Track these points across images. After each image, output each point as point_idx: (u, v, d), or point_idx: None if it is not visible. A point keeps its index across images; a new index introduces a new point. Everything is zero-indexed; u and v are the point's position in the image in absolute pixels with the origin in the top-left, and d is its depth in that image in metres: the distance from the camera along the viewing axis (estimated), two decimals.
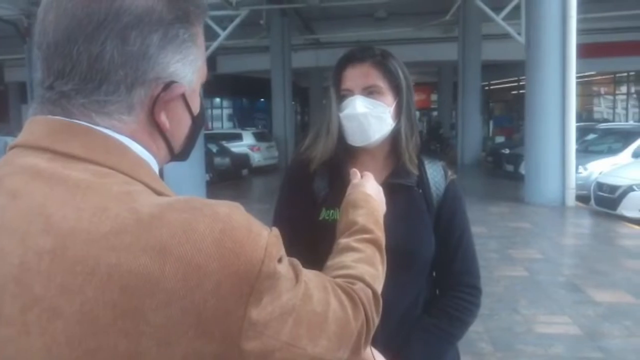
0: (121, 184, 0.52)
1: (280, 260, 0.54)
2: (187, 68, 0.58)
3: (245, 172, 14.04)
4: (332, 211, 1.15)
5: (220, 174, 12.53)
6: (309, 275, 0.59)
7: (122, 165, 0.54)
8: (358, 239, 0.79)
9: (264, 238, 0.52)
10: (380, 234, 0.83)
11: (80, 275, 0.46)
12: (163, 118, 0.57)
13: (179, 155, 0.64)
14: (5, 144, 7.67)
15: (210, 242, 0.48)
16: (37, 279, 0.47)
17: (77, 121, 0.54)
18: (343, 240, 0.80)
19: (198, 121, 0.63)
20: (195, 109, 0.62)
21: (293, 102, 19.62)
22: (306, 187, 1.20)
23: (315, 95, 24.02)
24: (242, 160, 14.07)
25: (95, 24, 0.52)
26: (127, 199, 0.50)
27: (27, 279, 0.47)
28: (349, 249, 0.77)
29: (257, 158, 15.25)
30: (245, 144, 15.36)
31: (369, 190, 0.91)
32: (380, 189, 0.96)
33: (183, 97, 0.59)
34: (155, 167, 0.59)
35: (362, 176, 0.97)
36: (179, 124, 0.60)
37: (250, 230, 0.51)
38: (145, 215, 0.48)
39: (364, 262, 0.74)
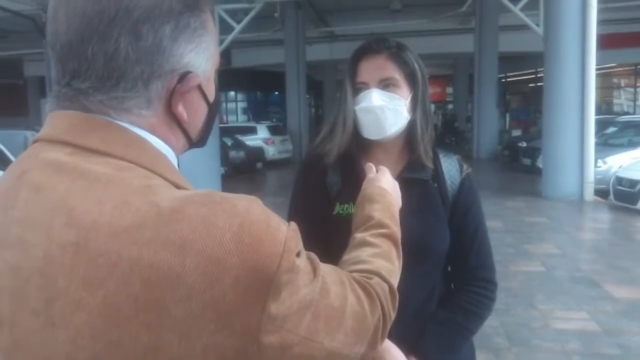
0: (141, 178, 0.52)
1: (298, 255, 0.54)
2: (200, 56, 0.58)
3: (259, 165, 14.10)
4: (346, 205, 1.14)
5: (235, 167, 12.60)
6: (326, 269, 0.59)
7: (141, 159, 0.54)
8: (374, 233, 0.79)
9: (282, 232, 0.52)
10: (396, 229, 0.83)
11: (102, 268, 0.47)
12: (180, 109, 0.58)
13: (197, 143, 0.64)
14: (25, 138, 7.80)
15: (230, 236, 0.48)
16: (61, 272, 0.48)
17: (96, 116, 0.54)
18: (359, 235, 0.80)
19: (214, 108, 0.64)
20: (211, 96, 0.62)
21: (307, 96, 19.59)
22: (320, 181, 1.19)
23: (330, 88, 23.94)
24: (256, 154, 14.13)
25: (106, 22, 0.52)
26: (147, 193, 0.50)
27: (51, 271, 0.48)
28: (365, 243, 0.77)
29: (271, 151, 15.29)
30: (259, 137, 15.41)
31: (384, 185, 0.91)
32: (396, 183, 0.95)
33: (199, 86, 0.59)
34: (174, 159, 0.60)
35: (377, 170, 0.96)
36: (196, 113, 0.61)
37: (268, 225, 0.51)
38: (165, 209, 0.49)
39: (380, 257, 0.74)
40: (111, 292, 0.47)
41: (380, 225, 0.81)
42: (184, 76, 0.56)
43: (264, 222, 0.51)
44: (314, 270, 0.56)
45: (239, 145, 13.63)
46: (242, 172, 12.76)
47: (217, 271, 0.47)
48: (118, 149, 0.53)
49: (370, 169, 0.97)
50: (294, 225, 0.56)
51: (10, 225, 0.52)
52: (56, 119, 0.56)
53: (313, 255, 0.59)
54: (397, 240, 0.81)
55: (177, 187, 0.54)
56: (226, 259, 0.48)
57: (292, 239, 0.53)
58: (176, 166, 0.59)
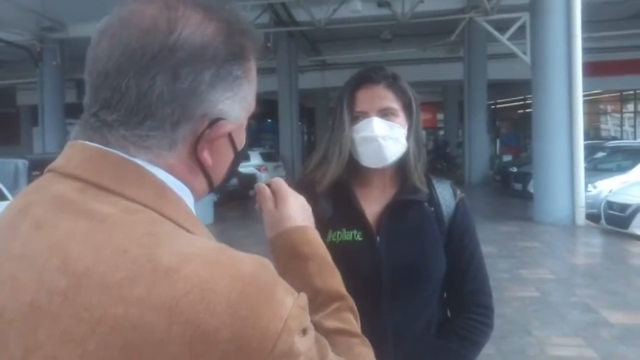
0: (148, 224, 0.49)
1: (304, 333, 0.48)
2: (236, 105, 0.55)
3: (252, 192, 14.04)
4: (338, 232, 1.14)
5: (228, 195, 12.56)
6: None
7: (154, 201, 0.51)
8: (330, 314, 0.63)
9: (286, 308, 0.46)
10: (343, 289, 0.66)
11: (85, 324, 0.44)
12: (206, 155, 0.55)
13: (217, 188, 0.60)
14: (16, 167, 7.73)
15: (226, 306, 0.44)
16: (43, 321, 0.45)
17: (113, 151, 0.52)
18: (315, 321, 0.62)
19: (240, 155, 0.60)
20: (240, 144, 0.59)
21: (300, 123, 19.73)
22: (312, 209, 1.17)
23: (322, 115, 24.15)
24: (249, 181, 14.11)
25: (148, 58, 0.50)
26: (149, 243, 0.47)
27: (34, 319, 0.45)
28: (331, 334, 0.60)
29: (264, 178, 15.29)
30: (252, 164, 15.42)
31: (295, 215, 0.70)
32: (303, 199, 0.74)
33: (229, 133, 0.56)
34: (191, 201, 0.56)
35: (272, 190, 0.72)
36: (221, 160, 0.57)
37: (272, 297, 0.46)
38: (162, 266, 0.45)
39: (358, 345, 0.62)
40: (89, 352, 0.43)
41: (330, 296, 0.64)
42: (214, 122, 0.53)
43: (268, 293, 0.46)
44: (322, 358, 0.49)
45: None
46: (234, 198, 12.72)
47: (203, 344, 0.43)
48: (130, 189, 0.50)
49: (262, 191, 0.72)
50: (302, 299, 0.49)
51: (5, 260, 0.49)
52: (73, 150, 0.53)
53: (324, 342, 0.52)
54: (350, 302, 0.66)
55: (189, 233, 0.50)
56: (216, 332, 0.43)
57: (296, 317, 0.47)
58: (192, 209, 0.55)
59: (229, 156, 0.58)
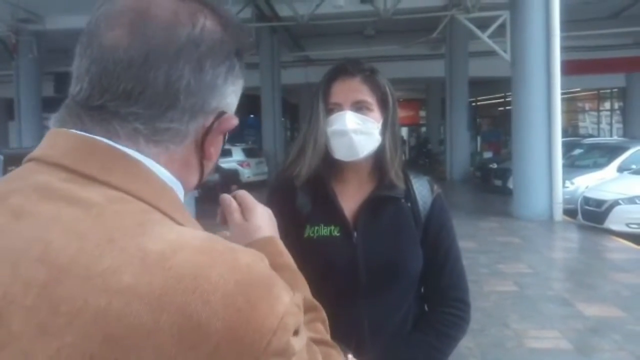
0: (136, 213, 0.47)
1: (296, 333, 0.46)
2: (235, 99, 0.58)
3: (234, 188, 13.98)
4: (316, 227, 1.14)
5: (210, 190, 12.48)
6: None
7: (142, 190, 0.49)
8: (306, 327, 0.61)
9: (283, 304, 0.44)
10: (314, 300, 0.67)
11: (63, 317, 0.41)
12: (212, 149, 0.56)
13: (203, 182, 0.60)
14: None
15: (221, 296, 0.42)
16: (17, 314, 0.42)
17: (102, 139, 0.50)
18: None
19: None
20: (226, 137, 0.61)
21: (283, 119, 19.68)
22: (290, 204, 1.17)
23: (305, 111, 24.04)
24: (231, 176, 14.03)
25: (175, 49, 0.50)
26: (138, 232, 0.45)
27: (8, 312, 0.42)
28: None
29: (247, 174, 15.22)
30: (234, 159, 15.33)
31: (266, 227, 0.70)
32: (269, 211, 0.73)
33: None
34: (181, 194, 0.55)
35: (238, 202, 0.72)
36: (216, 154, 0.58)
37: (270, 291, 0.44)
38: (153, 254, 0.43)
39: (336, 358, 0.61)
40: (66, 345, 0.40)
41: (305, 307, 0.62)
42: (220, 115, 0.55)
43: (266, 287, 0.44)
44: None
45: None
46: (216, 194, 12.65)
47: (194, 336, 0.40)
48: (117, 178, 0.48)
49: (230, 202, 0.71)
50: (299, 297, 0.48)
51: None
52: (56, 138, 0.50)
53: (315, 347, 0.51)
54: (322, 314, 0.66)
55: (179, 224, 0.49)
56: (209, 323, 0.41)
57: (292, 315, 0.45)
58: (182, 202, 0.54)
59: (220, 149, 0.60)
